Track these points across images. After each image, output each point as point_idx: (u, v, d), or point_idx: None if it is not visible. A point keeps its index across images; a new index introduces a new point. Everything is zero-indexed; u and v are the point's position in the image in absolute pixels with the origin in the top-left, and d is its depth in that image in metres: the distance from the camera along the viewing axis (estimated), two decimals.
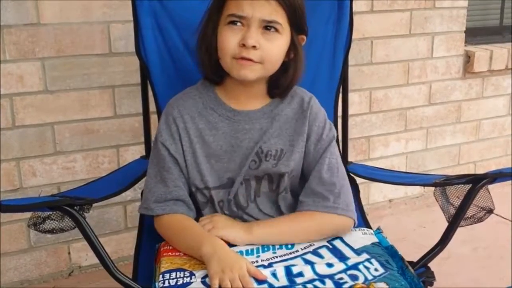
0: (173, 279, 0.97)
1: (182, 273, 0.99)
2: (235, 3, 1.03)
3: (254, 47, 1.02)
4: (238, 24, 1.03)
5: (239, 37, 1.03)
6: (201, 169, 1.12)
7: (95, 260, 1.10)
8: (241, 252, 1.04)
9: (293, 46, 1.10)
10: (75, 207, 1.05)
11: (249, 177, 1.13)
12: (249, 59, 1.03)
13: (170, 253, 1.07)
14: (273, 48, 1.05)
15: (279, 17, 1.03)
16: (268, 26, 1.03)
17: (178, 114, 1.12)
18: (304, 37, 1.13)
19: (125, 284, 1.04)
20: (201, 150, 1.11)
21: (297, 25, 1.08)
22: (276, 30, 1.04)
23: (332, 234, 1.11)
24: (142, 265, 1.24)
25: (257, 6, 1.01)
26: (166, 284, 0.96)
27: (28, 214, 1.09)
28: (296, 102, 1.15)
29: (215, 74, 1.12)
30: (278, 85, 1.12)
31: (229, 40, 1.04)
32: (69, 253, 1.96)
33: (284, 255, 1.05)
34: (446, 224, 1.15)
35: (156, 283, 0.99)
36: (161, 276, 0.99)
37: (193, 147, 1.11)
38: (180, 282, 0.96)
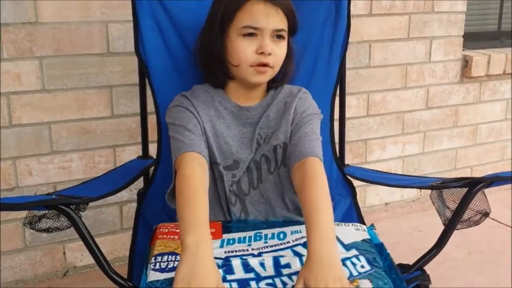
0: (164, 262, 0.99)
1: (173, 256, 1.01)
2: (249, 16, 1.12)
3: (270, 53, 1.12)
4: (254, 35, 1.12)
5: (255, 46, 1.12)
6: (211, 146, 1.17)
7: (90, 260, 1.09)
8: (233, 240, 1.06)
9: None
10: (71, 206, 1.05)
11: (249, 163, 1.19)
12: (267, 64, 1.13)
13: (165, 236, 1.10)
14: (282, 53, 1.17)
15: (284, 25, 1.15)
16: (277, 35, 1.14)
17: (189, 102, 1.18)
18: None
19: (120, 284, 1.04)
20: (211, 133, 1.17)
21: (293, 29, 1.19)
22: (283, 37, 1.15)
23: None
24: (137, 266, 1.24)
25: (271, 17, 1.12)
26: (157, 266, 0.98)
27: (23, 213, 1.09)
28: (287, 89, 1.25)
29: (223, 80, 1.21)
30: (274, 80, 1.22)
31: (247, 49, 1.13)
32: (64, 253, 1.96)
33: (275, 245, 1.07)
34: (442, 228, 1.15)
35: (148, 265, 1.00)
36: (153, 258, 1.01)
37: (203, 128, 1.16)
38: (171, 265, 0.98)
